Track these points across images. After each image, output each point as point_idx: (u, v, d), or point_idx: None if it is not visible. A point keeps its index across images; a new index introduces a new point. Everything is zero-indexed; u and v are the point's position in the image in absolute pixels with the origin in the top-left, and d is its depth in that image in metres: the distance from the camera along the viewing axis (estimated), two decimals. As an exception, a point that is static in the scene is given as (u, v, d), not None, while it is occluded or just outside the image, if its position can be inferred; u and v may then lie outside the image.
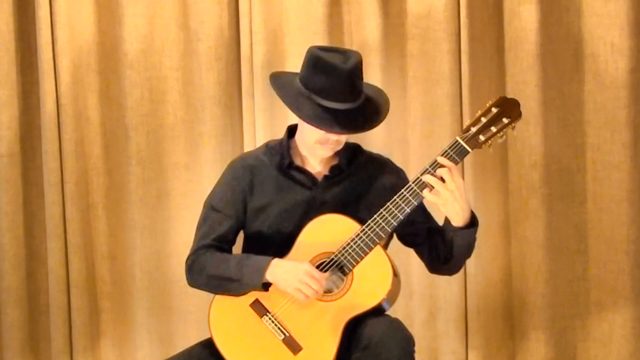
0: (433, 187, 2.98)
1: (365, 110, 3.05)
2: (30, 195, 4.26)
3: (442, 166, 2.98)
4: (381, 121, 3.08)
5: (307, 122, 3.02)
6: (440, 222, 3.15)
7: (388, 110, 3.11)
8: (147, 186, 4.18)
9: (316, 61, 3.02)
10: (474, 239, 3.10)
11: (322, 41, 3.96)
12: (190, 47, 4.10)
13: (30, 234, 4.27)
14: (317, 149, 3.10)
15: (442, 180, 2.97)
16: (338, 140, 3.08)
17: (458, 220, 3.02)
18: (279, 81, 3.12)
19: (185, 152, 4.16)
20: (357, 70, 3.03)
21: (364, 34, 4.01)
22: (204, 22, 4.07)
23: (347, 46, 4.01)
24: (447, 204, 2.98)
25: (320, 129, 3.00)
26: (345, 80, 3.00)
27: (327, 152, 3.12)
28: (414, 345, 3.01)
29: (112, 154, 4.20)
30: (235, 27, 4.08)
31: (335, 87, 2.99)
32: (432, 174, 2.98)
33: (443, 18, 3.94)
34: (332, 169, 3.17)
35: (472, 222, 3.06)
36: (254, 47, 4.02)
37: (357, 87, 3.04)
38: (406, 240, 3.24)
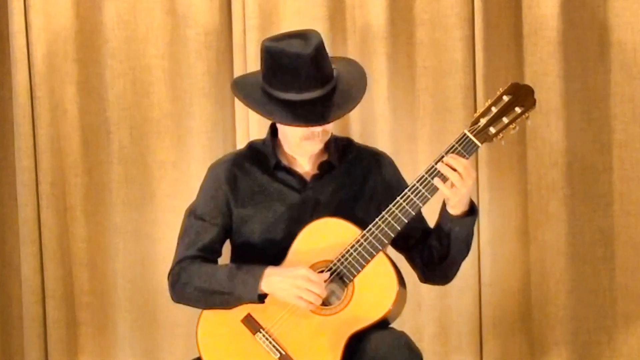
0: (447, 179, 2.91)
1: (335, 92, 2.99)
2: (2, 196, 4.23)
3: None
4: (361, 97, 3.00)
5: (285, 124, 3.01)
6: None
7: (366, 84, 3.04)
8: (130, 187, 4.15)
9: (274, 54, 2.97)
10: (472, 233, 3.05)
11: (322, 27, 3.91)
12: (177, 34, 4.08)
13: (2, 239, 4.25)
14: (305, 145, 3.05)
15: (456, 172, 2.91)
16: (324, 130, 3.02)
17: (459, 207, 2.97)
18: (241, 87, 3.09)
19: (172, 149, 4.12)
20: (320, 51, 2.96)
21: (368, 19, 3.97)
22: (193, 6, 4.04)
23: (349, 33, 4.01)
24: (458, 195, 2.92)
25: (299, 126, 2.98)
26: (310, 66, 2.93)
27: (316, 145, 3.05)
28: (422, 362, 3.01)
29: (92, 152, 4.17)
30: (227, 12, 4.05)
31: (301, 77, 2.94)
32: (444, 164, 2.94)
33: (455, 2, 3.92)
34: (321, 166, 3.11)
35: (472, 210, 3.01)
36: (247, 33, 3.99)
37: (325, 69, 2.98)
38: (398, 244, 3.13)
